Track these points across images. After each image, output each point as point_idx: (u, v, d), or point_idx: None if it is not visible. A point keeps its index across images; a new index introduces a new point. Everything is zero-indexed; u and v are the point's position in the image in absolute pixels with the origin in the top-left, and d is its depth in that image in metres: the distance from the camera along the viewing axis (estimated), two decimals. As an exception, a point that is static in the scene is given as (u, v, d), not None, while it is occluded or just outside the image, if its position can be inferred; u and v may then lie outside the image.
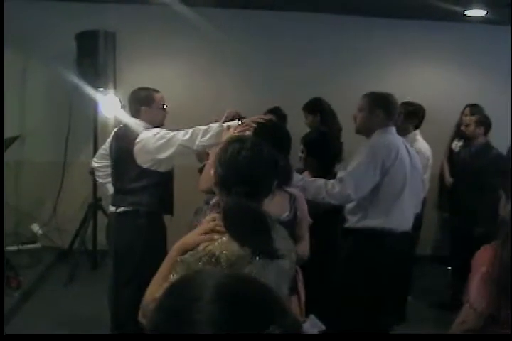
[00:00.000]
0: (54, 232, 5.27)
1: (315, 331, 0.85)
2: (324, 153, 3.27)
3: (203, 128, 2.82)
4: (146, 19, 5.18)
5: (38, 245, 5.18)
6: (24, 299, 4.10)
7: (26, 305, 4.05)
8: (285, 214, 2.35)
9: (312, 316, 0.82)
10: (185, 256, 1.52)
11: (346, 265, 2.97)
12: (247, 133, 2.46)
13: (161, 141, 2.94)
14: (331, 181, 2.82)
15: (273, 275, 1.58)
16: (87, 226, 4.88)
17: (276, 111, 4.91)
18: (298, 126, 4.85)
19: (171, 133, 2.94)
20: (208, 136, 2.78)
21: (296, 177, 2.76)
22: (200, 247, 1.53)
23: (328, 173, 3.14)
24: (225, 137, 2.48)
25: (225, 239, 1.54)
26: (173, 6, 4.53)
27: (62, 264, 4.86)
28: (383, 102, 3.01)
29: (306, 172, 3.20)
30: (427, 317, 4.05)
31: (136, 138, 3.05)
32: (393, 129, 3.02)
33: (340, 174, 2.97)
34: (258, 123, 2.54)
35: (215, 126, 2.80)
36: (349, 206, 2.99)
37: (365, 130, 3.02)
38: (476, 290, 1.50)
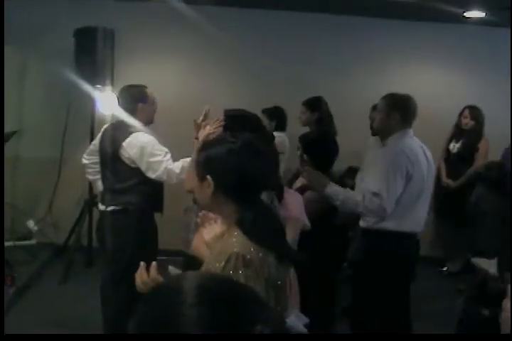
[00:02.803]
0: (49, 228, 5.27)
1: (301, 324, 0.85)
2: (322, 153, 3.23)
3: (178, 168, 2.93)
4: (145, 16, 5.17)
5: (33, 241, 5.17)
6: (18, 296, 4.08)
7: (20, 302, 4.03)
8: None
9: (295, 310, 0.82)
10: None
11: (362, 266, 3.01)
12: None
13: (149, 160, 3.00)
14: (365, 195, 2.83)
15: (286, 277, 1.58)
16: (83, 222, 4.87)
17: (272, 111, 4.88)
18: (294, 125, 4.86)
19: (158, 157, 2.99)
20: (184, 173, 2.82)
21: (337, 191, 2.82)
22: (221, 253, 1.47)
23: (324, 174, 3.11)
24: (201, 136, 2.47)
25: (241, 238, 1.48)
26: (172, 4, 4.52)
27: (58, 261, 4.85)
28: (401, 105, 3.00)
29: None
30: (421, 317, 4.04)
31: (125, 139, 3.03)
32: (411, 132, 3.02)
33: (360, 183, 2.98)
34: (227, 117, 2.43)
35: (188, 162, 2.76)
36: None
37: (382, 132, 3.06)
38: None
